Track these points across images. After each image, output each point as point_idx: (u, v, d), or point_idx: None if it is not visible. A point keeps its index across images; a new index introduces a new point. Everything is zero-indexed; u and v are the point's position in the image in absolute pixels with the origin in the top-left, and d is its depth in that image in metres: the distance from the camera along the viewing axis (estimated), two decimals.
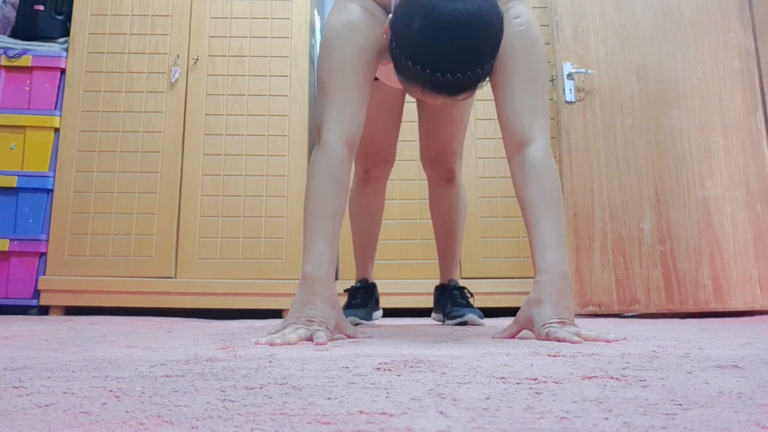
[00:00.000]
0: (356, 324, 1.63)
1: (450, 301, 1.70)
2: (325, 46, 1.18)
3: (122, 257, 2.44)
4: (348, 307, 1.71)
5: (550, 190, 1.12)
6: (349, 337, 1.10)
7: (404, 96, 1.60)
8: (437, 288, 1.79)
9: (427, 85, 1.03)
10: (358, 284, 1.74)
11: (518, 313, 1.10)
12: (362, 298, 1.72)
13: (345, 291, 1.77)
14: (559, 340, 0.97)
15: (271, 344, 0.95)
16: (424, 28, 1.00)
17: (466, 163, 2.54)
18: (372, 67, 1.18)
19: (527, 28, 1.17)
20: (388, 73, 1.39)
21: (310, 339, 0.99)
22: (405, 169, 2.54)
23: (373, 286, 1.77)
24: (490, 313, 2.10)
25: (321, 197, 1.10)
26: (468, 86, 1.04)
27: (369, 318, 1.71)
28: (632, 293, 2.23)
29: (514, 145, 1.16)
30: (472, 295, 1.75)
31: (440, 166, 1.67)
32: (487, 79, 1.09)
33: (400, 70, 1.06)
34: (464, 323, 1.63)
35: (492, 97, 2.57)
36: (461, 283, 1.78)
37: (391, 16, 1.10)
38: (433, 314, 1.84)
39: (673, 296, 2.20)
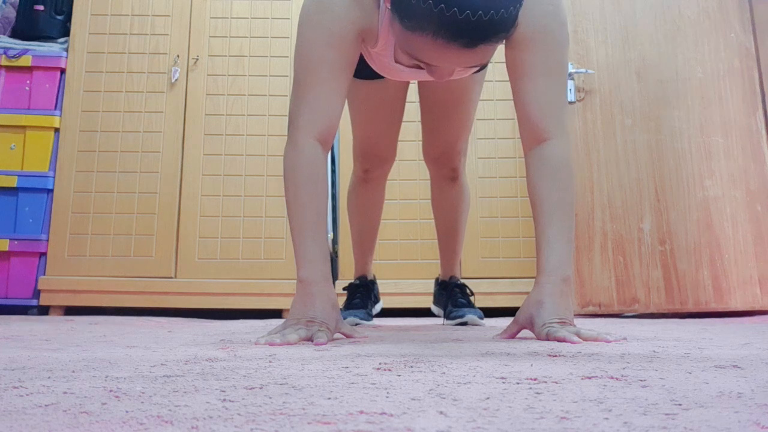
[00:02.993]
0: (355, 325, 1.63)
1: (450, 301, 1.70)
2: (299, 32, 1.11)
3: (122, 257, 2.43)
4: (347, 307, 1.71)
5: (565, 191, 1.09)
6: (347, 336, 1.10)
7: (405, 95, 1.58)
8: (439, 283, 1.78)
9: (440, 30, 0.85)
10: (357, 281, 1.74)
11: (518, 312, 1.10)
12: (361, 298, 1.71)
13: (344, 289, 1.77)
14: (559, 340, 0.97)
15: (271, 344, 0.95)
16: None
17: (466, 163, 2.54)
18: (350, 53, 1.09)
19: (556, 8, 1.09)
20: (382, 62, 1.28)
21: (310, 339, 0.99)
22: (405, 169, 2.54)
23: (372, 283, 1.77)
24: (490, 313, 2.10)
25: (301, 199, 1.07)
26: (488, 34, 0.86)
27: (368, 318, 1.70)
28: (632, 293, 2.23)
29: (533, 139, 1.12)
30: (473, 294, 1.74)
31: (444, 165, 1.63)
32: (506, 38, 0.92)
33: (407, 16, 0.88)
34: (464, 323, 1.63)
35: (491, 98, 2.58)
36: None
37: None
38: (433, 306, 1.84)
39: (673, 296, 2.20)
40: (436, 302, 1.81)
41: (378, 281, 1.86)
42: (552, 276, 1.06)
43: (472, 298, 1.73)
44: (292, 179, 1.08)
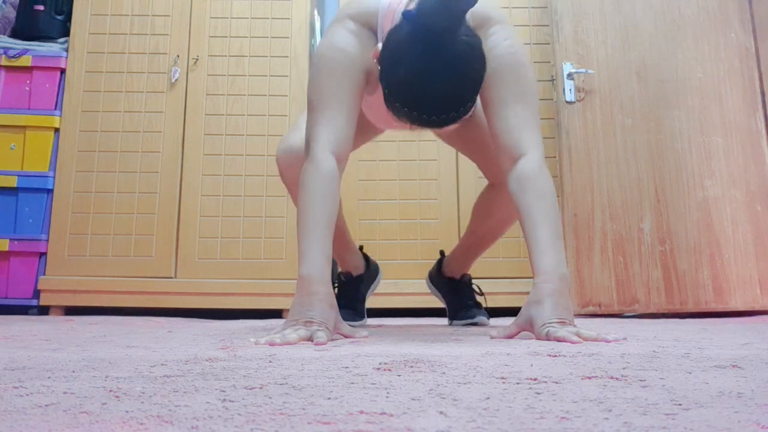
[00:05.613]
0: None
1: (460, 302, 1.70)
2: (313, 69, 1.24)
3: (122, 257, 2.43)
4: None
5: (545, 196, 1.14)
6: (346, 336, 1.10)
7: (375, 134, 1.62)
8: (450, 280, 1.73)
9: (415, 122, 1.11)
10: (342, 277, 1.73)
11: (518, 315, 1.10)
12: (345, 299, 1.70)
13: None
14: (559, 340, 0.97)
15: (271, 344, 0.95)
16: (410, 75, 1.06)
17: (466, 166, 2.54)
18: (360, 83, 1.22)
19: (515, 51, 1.22)
20: (379, 109, 1.40)
21: (310, 339, 0.99)
22: (405, 169, 2.54)
23: (359, 279, 1.72)
24: (490, 313, 2.10)
25: (312, 207, 1.12)
26: (454, 121, 1.11)
27: (357, 318, 1.69)
28: (632, 293, 2.23)
29: (509, 159, 1.19)
30: (482, 293, 1.74)
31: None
32: (472, 111, 1.17)
33: (389, 105, 1.12)
34: (474, 324, 1.64)
35: None
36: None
37: (380, 45, 1.14)
38: (430, 285, 1.79)
39: (673, 296, 2.20)
40: (436, 285, 1.77)
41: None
42: (548, 275, 1.07)
43: (482, 298, 1.73)
44: (306, 188, 1.14)
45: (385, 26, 1.22)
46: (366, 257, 1.77)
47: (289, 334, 0.98)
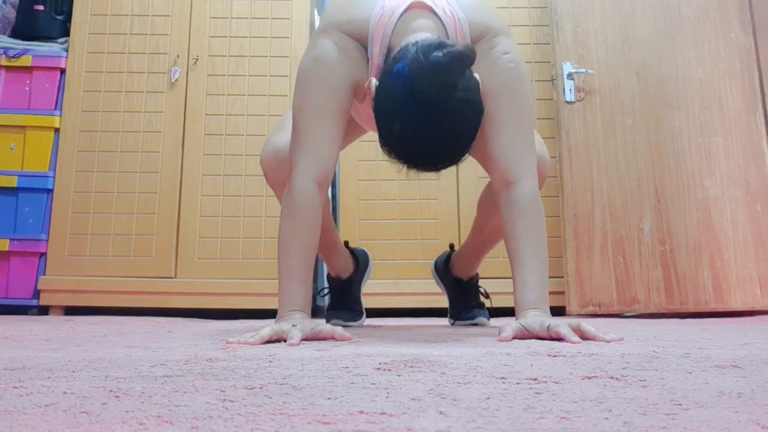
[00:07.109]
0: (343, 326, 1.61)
1: (464, 302, 1.70)
2: (297, 85, 1.21)
3: (122, 257, 2.43)
4: (329, 309, 1.70)
5: (535, 228, 1.16)
6: (329, 335, 1.08)
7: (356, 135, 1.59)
8: (457, 280, 1.73)
9: (410, 170, 1.11)
10: (332, 282, 1.72)
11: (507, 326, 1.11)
12: (338, 299, 1.70)
13: (318, 293, 1.77)
14: (559, 336, 0.99)
15: (236, 343, 1.00)
16: (406, 133, 1.04)
17: (466, 165, 2.54)
18: (344, 101, 1.18)
19: (516, 64, 1.20)
20: (369, 115, 1.37)
21: (279, 339, 1.02)
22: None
23: (348, 281, 1.71)
24: (490, 313, 2.10)
25: (292, 240, 1.14)
26: (446, 167, 1.10)
27: (355, 318, 1.69)
28: (632, 293, 2.23)
29: (503, 182, 1.19)
30: (488, 296, 1.74)
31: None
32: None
33: (384, 151, 1.10)
34: (475, 324, 1.66)
35: None
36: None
37: (374, 81, 1.09)
38: (435, 275, 1.79)
39: (673, 296, 2.20)
40: (442, 277, 1.76)
41: (378, 281, 1.84)
42: (533, 305, 1.10)
43: (487, 301, 1.73)
44: (287, 219, 1.16)
45: (377, 37, 1.16)
46: (353, 253, 1.74)
47: (262, 329, 1.02)
